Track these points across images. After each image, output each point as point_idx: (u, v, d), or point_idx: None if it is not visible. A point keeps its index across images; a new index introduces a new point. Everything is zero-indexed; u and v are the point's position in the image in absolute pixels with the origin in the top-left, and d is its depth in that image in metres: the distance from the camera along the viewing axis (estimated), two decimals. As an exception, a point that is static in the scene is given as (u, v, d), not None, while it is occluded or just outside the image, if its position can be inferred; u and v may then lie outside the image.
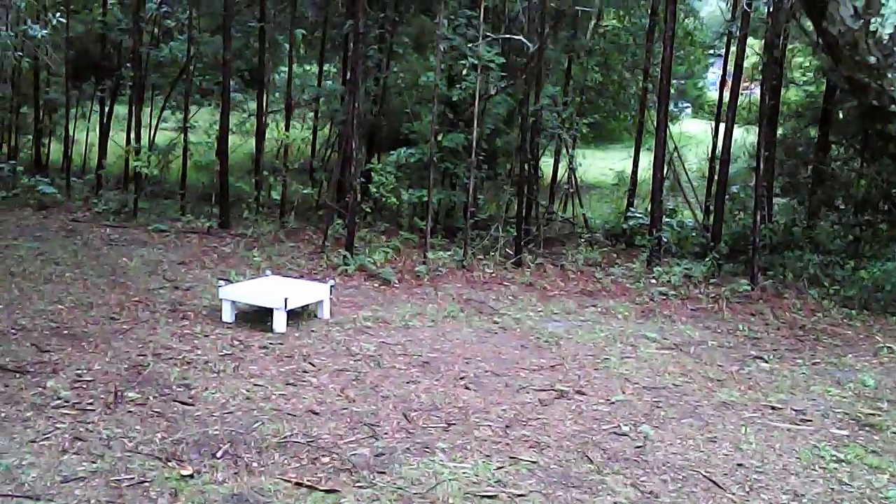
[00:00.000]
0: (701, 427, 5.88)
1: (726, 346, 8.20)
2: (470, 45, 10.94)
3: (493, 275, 10.52)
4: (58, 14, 7.53)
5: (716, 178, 12.40)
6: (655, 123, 11.49)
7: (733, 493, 4.83)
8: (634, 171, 13.50)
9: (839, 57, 2.57)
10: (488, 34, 10.81)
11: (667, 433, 5.71)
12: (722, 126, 12.40)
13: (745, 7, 10.44)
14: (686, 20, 16.86)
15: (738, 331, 8.74)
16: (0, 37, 6.92)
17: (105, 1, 14.32)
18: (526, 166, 11.60)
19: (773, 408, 6.40)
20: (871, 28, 2.15)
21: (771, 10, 10.67)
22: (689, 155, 18.09)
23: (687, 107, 27.67)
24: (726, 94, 12.72)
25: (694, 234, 12.54)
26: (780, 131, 13.21)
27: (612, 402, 6.28)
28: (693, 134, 19.74)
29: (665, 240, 11.72)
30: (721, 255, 11.19)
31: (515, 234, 11.26)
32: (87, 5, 15.57)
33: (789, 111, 14.19)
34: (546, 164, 14.90)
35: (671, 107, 25.71)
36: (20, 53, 8.54)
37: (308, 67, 17.34)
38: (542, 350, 7.59)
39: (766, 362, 7.68)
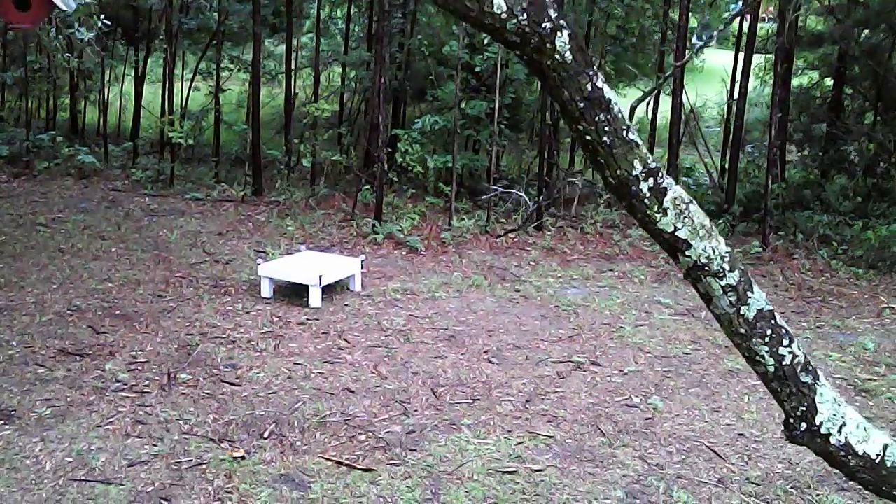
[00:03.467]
0: (707, 397, 6.37)
1: (736, 310, 8.64)
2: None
3: (516, 240, 10.99)
4: (103, 17, 7.96)
5: (731, 138, 12.73)
6: (672, 92, 11.81)
7: (732, 463, 5.34)
8: (653, 124, 13.79)
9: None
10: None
11: (675, 404, 6.22)
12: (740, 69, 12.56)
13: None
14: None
15: (748, 294, 9.17)
16: (50, 39, 7.40)
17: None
18: (546, 129, 12.00)
19: (775, 375, 6.87)
20: (741, 312, 2.86)
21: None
22: (712, 93, 18.29)
23: (712, 37, 27.57)
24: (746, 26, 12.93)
25: (710, 192, 12.92)
26: (795, 82, 13.48)
27: (626, 373, 6.78)
28: (718, 67, 19.87)
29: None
30: (735, 216, 11.58)
31: (536, 198, 11.69)
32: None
33: (806, 63, 14.44)
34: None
35: (694, 39, 25.81)
36: (69, 55, 9.00)
37: (332, 36, 17.65)
38: (560, 319, 8.08)
39: (774, 327, 8.13)
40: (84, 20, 7.59)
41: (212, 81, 14.53)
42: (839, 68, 12.79)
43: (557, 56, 2.52)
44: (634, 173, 2.64)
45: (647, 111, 14.32)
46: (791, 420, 2.94)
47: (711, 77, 18.38)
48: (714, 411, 6.13)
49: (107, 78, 16.55)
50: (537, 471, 5.12)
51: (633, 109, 3.80)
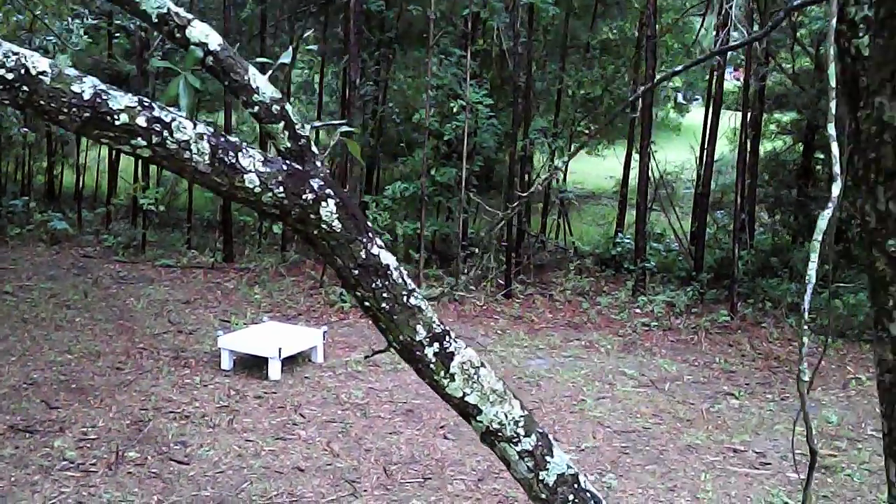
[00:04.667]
0: (663, 475, 6.31)
1: (701, 381, 8.62)
2: (461, 83, 11.40)
3: (484, 307, 10.97)
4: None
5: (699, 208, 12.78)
6: (639, 152, 11.88)
7: (683, 546, 5.27)
8: (624, 194, 13.85)
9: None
10: (477, 73, 11.26)
11: (630, 482, 6.15)
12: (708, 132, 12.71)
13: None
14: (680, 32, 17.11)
15: (714, 364, 9.16)
16: (6, 115, 7.44)
17: (110, 40, 14.78)
18: (515, 194, 12.04)
19: (735, 450, 6.83)
20: (540, 478, 2.80)
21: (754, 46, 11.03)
22: (691, 154, 18.32)
23: (696, 99, 27.91)
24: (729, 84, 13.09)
25: (681, 258, 12.95)
26: (768, 146, 13.58)
27: (583, 449, 6.71)
28: (698, 126, 19.97)
29: (652, 265, 12.13)
30: (704, 283, 11.59)
31: (505, 266, 11.69)
32: (95, 41, 16.08)
33: (778, 128, 14.59)
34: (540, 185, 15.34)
35: (679, 98, 26.05)
36: (26, 129, 9.04)
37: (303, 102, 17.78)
38: (522, 392, 8.01)
39: (737, 398, 8.11)
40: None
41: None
42: (807, 135, 12.90)
43: (324, 226, 2.47)
44: (418, 339, 2.58)
45: (621, 173, 14.36)
46: None
47: (691, 136, 18.48)
48: (669, 490, 6.06)
49: (86, 143, 16.58)
50: (482, 555, 5.04)
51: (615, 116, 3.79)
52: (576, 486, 2.72)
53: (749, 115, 11.53)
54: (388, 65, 13.97)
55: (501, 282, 11.77)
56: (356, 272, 2.52)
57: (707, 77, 13.93)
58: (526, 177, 12.95)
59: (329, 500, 5.67)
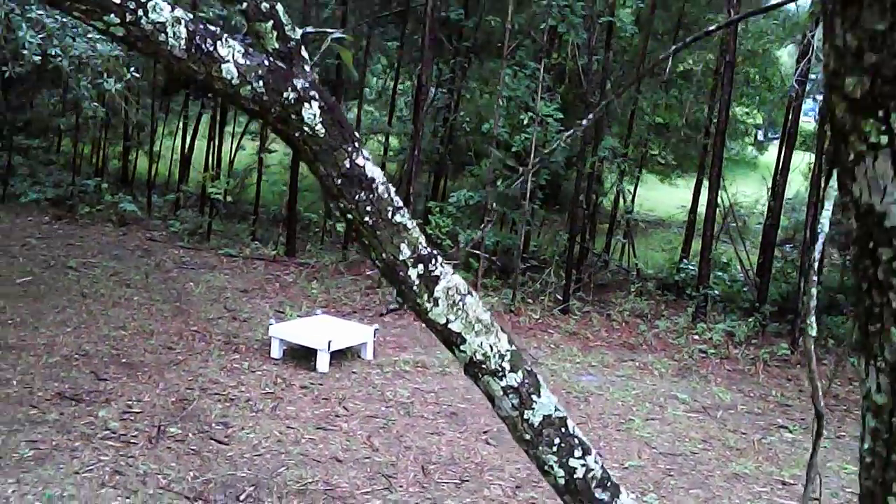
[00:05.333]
0: (707, 500, 6.14)
1: (755, 412, 8.42)
2: (532, 94, 11.34)
3: (540, 321, 10.86)
4: (132, 69, 8.13)
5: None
6: (708, 186, 11.70)
7: (719, 572, 5.11)
8: (692, 220, 13.64)
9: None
10: (550, 87, 11.19)
11: (670, 504, 6.00)
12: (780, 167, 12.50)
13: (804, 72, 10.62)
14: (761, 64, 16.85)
15: (769, 396, 8.94)
16: (79, 89, 7.56)
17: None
18: (581, 212, 11.94)
19: (783, 483, 6.63)
20: (525, 417, 2.67)
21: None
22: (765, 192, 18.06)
23: (776, 137, 27.50)
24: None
25: (745, 289, 12.70)
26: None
27: (626, 468, 6.57)
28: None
29: (715, 293, 11.91)
30: (766, 316, 11.34)
31: (565, 281, 11.58)
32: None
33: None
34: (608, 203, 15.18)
35: (759, 136, 25.68)
36: (96, 104, 9.18)
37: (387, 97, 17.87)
38: (570, 406, 7.89)
39: (791, 432, 7.90)
40: (112, 70, 7.74)
41: (258, 141, 14.72)
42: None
43: (307, 128, 2.38)
44: (402, 258, 2.48)
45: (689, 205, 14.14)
46: None
47: (767, 173, 18.20)
48: (710, 515, 5.91)
49: (162, 130, 16.85)
50: (512, 560, 4.95)
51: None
52: (563, 429, 2.62)
53: (824, 150, 11.27)
54: (463, 74, 13.98)
55: (559, 297, 11.66)
56: (339, 182, 2.43)
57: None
58: (594, 196, 12.83)
59: (364, 492, 5.61)
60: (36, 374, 7.05)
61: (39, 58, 7.24)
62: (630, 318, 11.50)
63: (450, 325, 2.54)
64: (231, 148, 15.25)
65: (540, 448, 2.58)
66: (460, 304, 2.55)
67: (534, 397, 2.58)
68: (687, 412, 8.16)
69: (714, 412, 8.20)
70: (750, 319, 11.19)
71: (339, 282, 11.67)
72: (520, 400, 2.56)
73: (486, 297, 11.11)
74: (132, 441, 5.99)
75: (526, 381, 2.58)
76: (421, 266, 2.51)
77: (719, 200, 12.33)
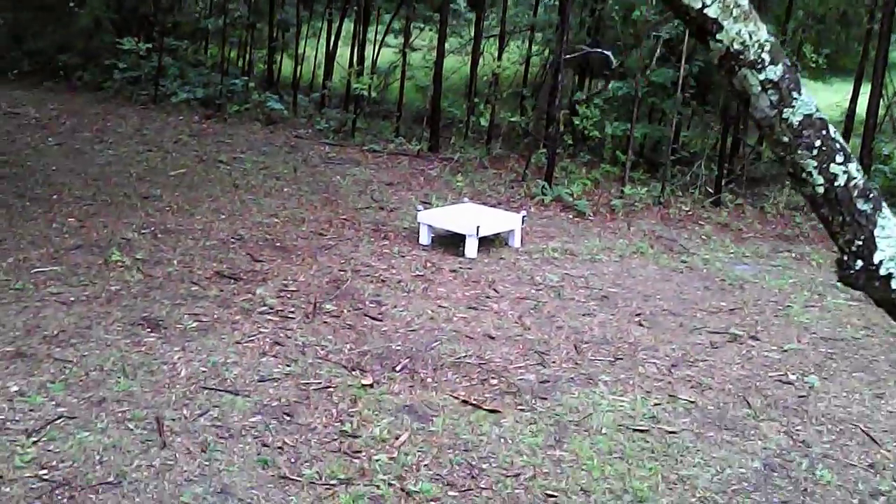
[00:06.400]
0: (871, 382, 5.89)
1: (921, 302, 8.01)
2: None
3: (689, 213, 10.56)
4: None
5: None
6: (874, 63, 11.02)
7: (888, 451, 4.90)
8: (851, 112, 12.95)
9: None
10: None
11: (833, 385, 5.78)
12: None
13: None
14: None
15: (937, 287, 8.49)
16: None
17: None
18: (735, 103, 11.46)
19: (954, 369, 6.32)
20: (784, 116, 2.35)
21: None
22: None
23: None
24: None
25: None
26: None
27: (785, 350, 6.36)
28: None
29: (875, 185, 11.31)
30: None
31: (716, 173, 11.21)
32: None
33: None
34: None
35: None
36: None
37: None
38: (724, 292, 7.69)
39: (961, 322, 7.49)
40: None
41: (402, 39, 14.64)
42: None
43: None
44: None
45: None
46: (845, 257, 2.46)
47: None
48: (876, 396, 5.65)
49: (306, 31, 16.95)
50: (671, 432, 4.85)
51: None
52: (824, 131, 2.39)
53: None
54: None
55: (710, 190, 11.30)
56: None
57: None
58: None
59: (517, 366, 5.59)
60: (195, 254, 7.25)
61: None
62: (785, 210, 11.07)
63: (706, 10, 2.31)
64: (374, 48, 15.22)
65: (798, 152, 2.37)
66: None
67: (794, 94, 2.35)
68: (847, 300, 7.81)
69: (877, 302, 7.83)
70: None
71: (484, 175, 11.59)
72: (779, 96, 2.33)
73: (633, 190, 10.86)
74: (289, 316, 6.10)
75: (787, 75, 2.36)
76: None
77: (881, 99, 11.63)
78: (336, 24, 15.63)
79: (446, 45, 13.33)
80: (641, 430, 4.83)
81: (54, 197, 8.66)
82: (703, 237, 9.64)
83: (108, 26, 16.31)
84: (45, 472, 3.94)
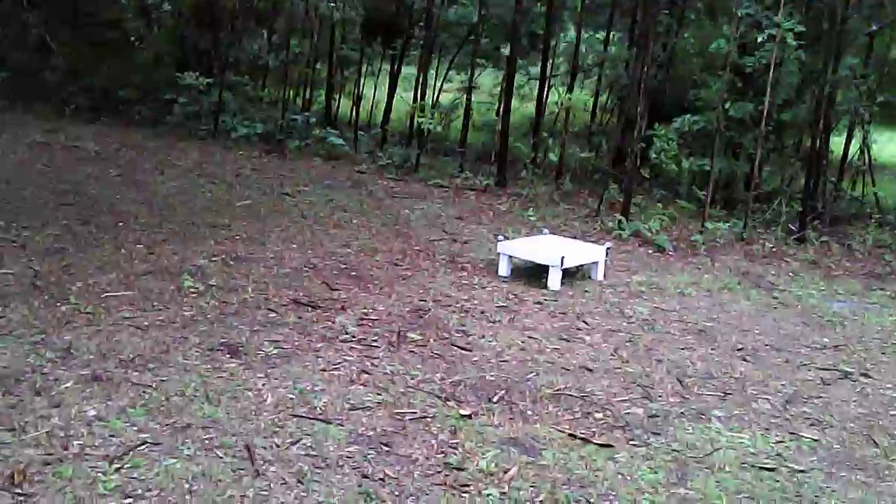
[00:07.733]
0: None
1: None
2: (767, 11, 10.49)
3: (774, 249, 10.13)
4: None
5: None
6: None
7: None
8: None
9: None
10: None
11: (959, 426, 5.31)
12: None
13: None
14: None
15: None
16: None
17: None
18: (817, 140, 11.04)
19: None
20: None
21: None
22: None
23: None
24: None
25: None
26: None
27: (899, 390, 5.91)
28: None
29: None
30: None
31: (800, 209, 10.76)
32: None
33: None
34: (836, 140, 14.03)
35: None
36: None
37: (592, 33, 17.23)
38: (824, 328, 7.24)
39: None
40: None
41: (465, 75, 14.42)
42: None
43: None
44: None
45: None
46: None
47: None
48: None
49: (363, 71, 16.82)
50: (800, 471, 4.42)
51: None
52: None
53: None
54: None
55: (792, 227, 10.85)
56: None
57: None
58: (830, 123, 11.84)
59: (621, 399, 5.19)
60: (269, 282, 6.95)
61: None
62: (872, 248, 10.59)
63: None
64: (436, 84, 15.02)
65: None
66: None
67: None
68: (957, 340, 7.34)
69: None
70: None
71: (555, 210, 11.26)
72: None
73: (714, 226, 10.44)
74: (373, 344, 5.76)
75: None
76: None
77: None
78: (397, 63, 15.49)
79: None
80: (768, 469, 4.41)
81: (120, 224, 8.42)
82: (791, 273, 9.20)
83: (169, 61, 16.26)
84: (129, 500, 3.60)
